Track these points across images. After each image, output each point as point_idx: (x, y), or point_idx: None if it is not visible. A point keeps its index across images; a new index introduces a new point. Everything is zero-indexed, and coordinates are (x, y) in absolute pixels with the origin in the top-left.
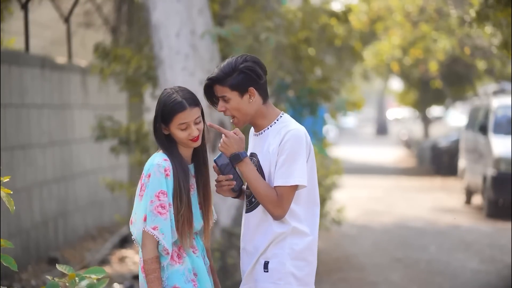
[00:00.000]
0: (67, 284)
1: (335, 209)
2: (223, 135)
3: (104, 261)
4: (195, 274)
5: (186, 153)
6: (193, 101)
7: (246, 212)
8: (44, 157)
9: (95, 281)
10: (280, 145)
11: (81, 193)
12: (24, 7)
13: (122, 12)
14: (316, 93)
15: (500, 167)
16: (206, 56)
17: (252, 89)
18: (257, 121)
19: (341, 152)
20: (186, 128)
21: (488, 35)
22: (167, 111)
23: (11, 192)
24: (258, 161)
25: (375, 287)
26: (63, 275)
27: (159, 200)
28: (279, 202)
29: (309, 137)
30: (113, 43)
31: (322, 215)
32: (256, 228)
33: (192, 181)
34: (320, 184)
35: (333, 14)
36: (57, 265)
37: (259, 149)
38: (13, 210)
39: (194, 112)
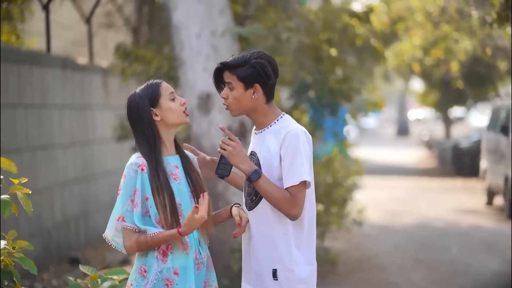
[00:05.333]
0: (89, 285)
1: (356, 210)
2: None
3: (125, 261)
4: (175, 274)
5: (168, 145)
6: None
7: (249, 210)
8: (66, 157)
9: (117, 282)
10: (282, 148)
11: (102, 193)
12: (46, 8)
13: (143, 13)
14: (337, 94)
15: None
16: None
17: (257, 86)
18: (258, 119)
19: (362, 152)
20: (174, 99)
21: (510, 36)
22: (151, 91)
23: (30, 192)
24: (258, 160)
25: None
26: (85, 275)
27: (136, 198)
28: (294, 201)
29: (309, 136)
30: (134, 43)
31: (343, 216)
32: (262, 225)
33: (175, 171)
34: (341, 184)
35: (354, 15)
36: (80, 266)
37: (258, 148)
38: (30, 212)
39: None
